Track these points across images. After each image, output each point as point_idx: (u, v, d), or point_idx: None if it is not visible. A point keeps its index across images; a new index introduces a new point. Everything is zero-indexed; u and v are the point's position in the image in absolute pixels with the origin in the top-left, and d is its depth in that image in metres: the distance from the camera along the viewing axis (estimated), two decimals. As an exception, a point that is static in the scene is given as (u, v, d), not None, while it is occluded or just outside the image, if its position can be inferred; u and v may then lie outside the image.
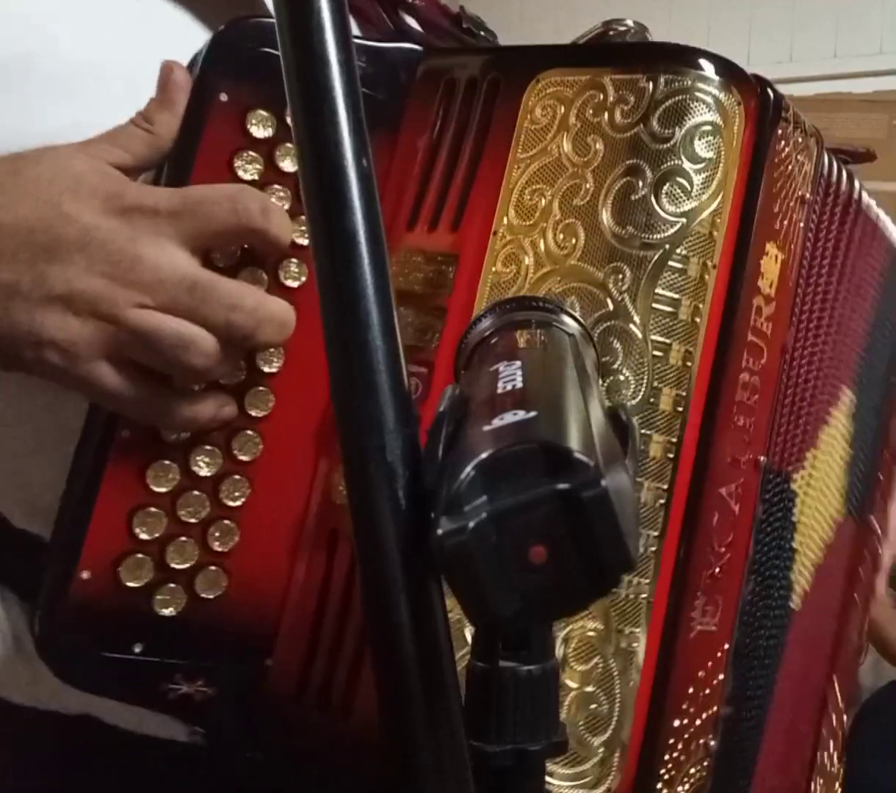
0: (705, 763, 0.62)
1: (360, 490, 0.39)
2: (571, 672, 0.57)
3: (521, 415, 0.37)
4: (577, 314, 0.53)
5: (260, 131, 0.60)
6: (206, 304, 0.54)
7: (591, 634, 0.57)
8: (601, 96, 0.61)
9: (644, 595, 0.58)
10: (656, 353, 0.59)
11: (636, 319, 0.59)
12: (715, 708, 0.64)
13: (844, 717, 0.85)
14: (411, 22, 0.74)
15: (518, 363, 0.42)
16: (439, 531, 0.34)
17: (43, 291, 0.53)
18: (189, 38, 0.63)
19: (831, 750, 0.83)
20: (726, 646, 0.65)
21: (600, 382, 0.56)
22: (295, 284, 0.62)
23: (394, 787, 0.39)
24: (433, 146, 0.65)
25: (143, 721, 0.66)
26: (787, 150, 0.65)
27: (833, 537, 0.79)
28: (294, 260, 0.61)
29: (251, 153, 0.60)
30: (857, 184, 0.77)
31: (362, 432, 0.39)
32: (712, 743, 0.63)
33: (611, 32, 0.67)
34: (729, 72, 0.61)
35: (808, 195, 0.68)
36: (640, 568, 0.58)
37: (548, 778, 0.56)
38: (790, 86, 3.05)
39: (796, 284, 0.68)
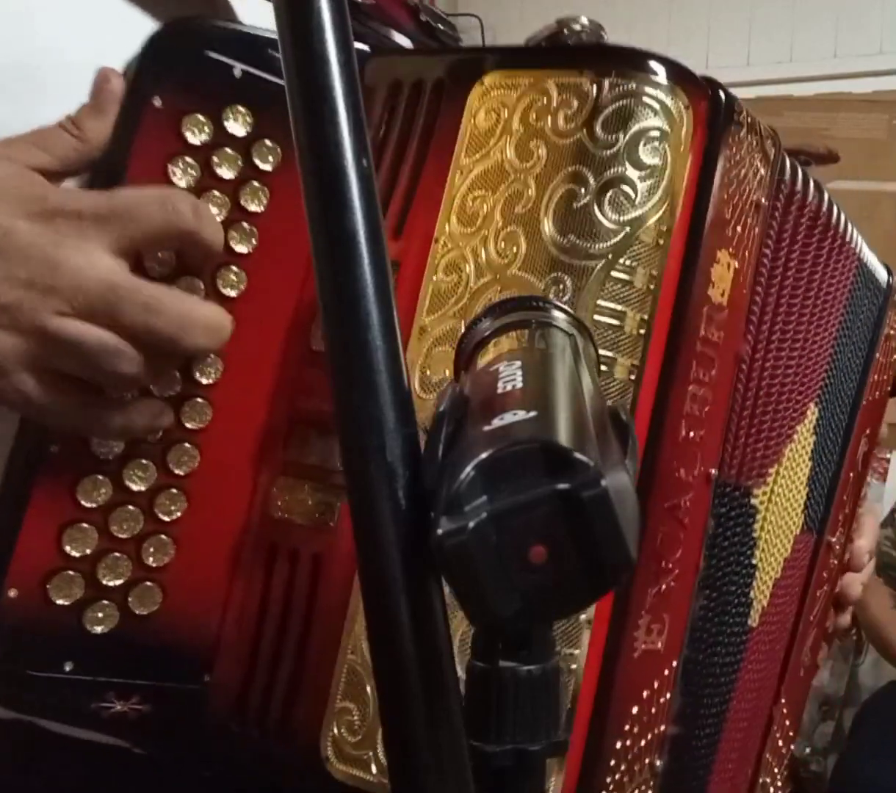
0: (651, 783, 0.62)
1: (360, 490, 0.39)
2: None
3: (521, 415, 0.37)
4: (575, 314, 0.53)
5: (196, 137, 0.58)
6: (124, 309, 0.52)
7: None
8: (545, 100, 0.59)
9: (583, 616, 0.57)
10: (602, 367, 0.57)
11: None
12: (661, 727, 0.62)
13: (791, 742, 0.85)
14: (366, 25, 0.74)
15: (518, 363, 0.42)
16: (439, 531, 0.34)
17: None
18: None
19: (775, 775, 0.83)
20: (674, 664, 0.63)
21: (598, 369, 0.54)
22: (234, 293, 0.60)
23: (394, 787, 0.39)
24: (376, 149, 0.63)
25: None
26: (740, 153, 0.62)
27: (790, 553, 0.79)
28: (233, 268, 0.60)
29: (187, 159, 0.58)
30: (826, 196, 0.74)
31: (362, 432, 0.39)
32: (658, 763, 0.62)
33: (564, 31, 0.65)
34: (678, 75, 0.59)
35: (763, 201, 0.66)
36: None
37: None
38: (790, 86, 3.06)
39: (753, 292, 0.66)
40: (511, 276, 0.58)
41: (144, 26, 0.62)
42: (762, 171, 0.66)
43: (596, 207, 0.57)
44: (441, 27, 0.77)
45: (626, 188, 0.57)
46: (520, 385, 0.40)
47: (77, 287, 0.51)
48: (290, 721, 0.59)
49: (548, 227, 0.58)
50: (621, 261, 0.57)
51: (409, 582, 0.38)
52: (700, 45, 3.23)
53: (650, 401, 0.58)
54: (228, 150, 0.59)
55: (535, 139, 0.59)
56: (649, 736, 0.61)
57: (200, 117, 0.58)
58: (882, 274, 0.86)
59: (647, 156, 0.58)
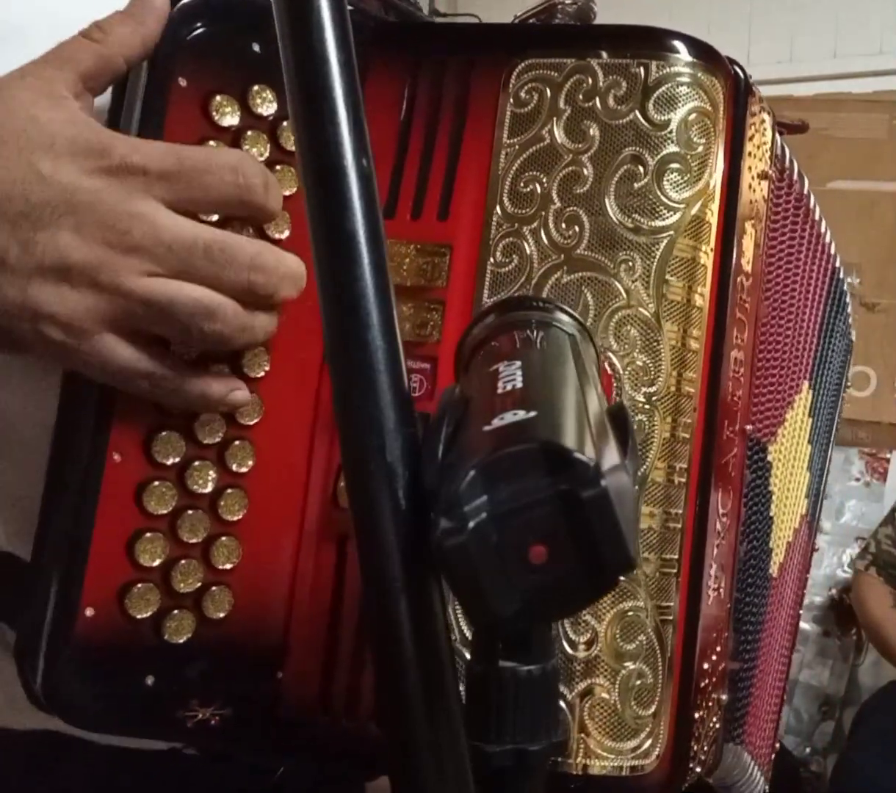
0: (718, 715, 0.64)
1: (360, 490, 0.39)
2: (621, 653, 0.57)
3: (521, 415, 0.37)
4: (575, 313, 0.53)
5: (223, 119, 0.57)
6: (227, 267, 0.50)
7: (631, 613, 0.58)
8: (590, 80, 0.60)
9: (673, 571, 0.59)
10: (671, 338, 0.59)
11: (651, 307, 0.59)
12: (724, 664, 0.65)
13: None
14: None
15: (518, 363, 0.42)
16: (439, 531, 0.34)
17: (33, 262, 0.48)
18: None
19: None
20: (729, 605, 0.67)
21: (599, 368, 0.56)
22: (281, 236, 0.58)
23: (394, 787, 0.39)
24: (404, 129, 0.63)
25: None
26: (755, 126, 0.66)
27: (798, 526, 0.83)
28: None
29: (217, 142, 0.56)
30: (806, 182, 0.78)
31: (362, 432, 0.39)
32: (724, 697, 0.65)
33: (558, 6, 0.66)
34: (706, 53, 0.62)
35: (768, 170, 0.69)
36: (667, 545, 0.59)
37: (605, 755, 0.57)
38: (790, 86, 3.05)
39: (762, 259, 0.70)
40: (578, 256, 0.59)
41: None
42: (766, 140, 0.69)
43: (656, 187, 0.59)
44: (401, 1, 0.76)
45: (680, 167, 0.60)
46: (520, 385, 0.40)
47: (165, 246, 0.49)
48: None
49: (611, 207, 0.59)
50: (682, 237, 0.60)
51: (409, 582, 0.38)
52: (700, 45, 3.23)
53: (707, 368, 0.61)
54: (255, 131, 0.58)
55: (586, 120, 0.60)
56: (718, 673, 0.64)
57: (226, 98, 0.57)
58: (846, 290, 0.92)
59: (696, 135, 0.60)
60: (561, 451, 0.34)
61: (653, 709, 0.58)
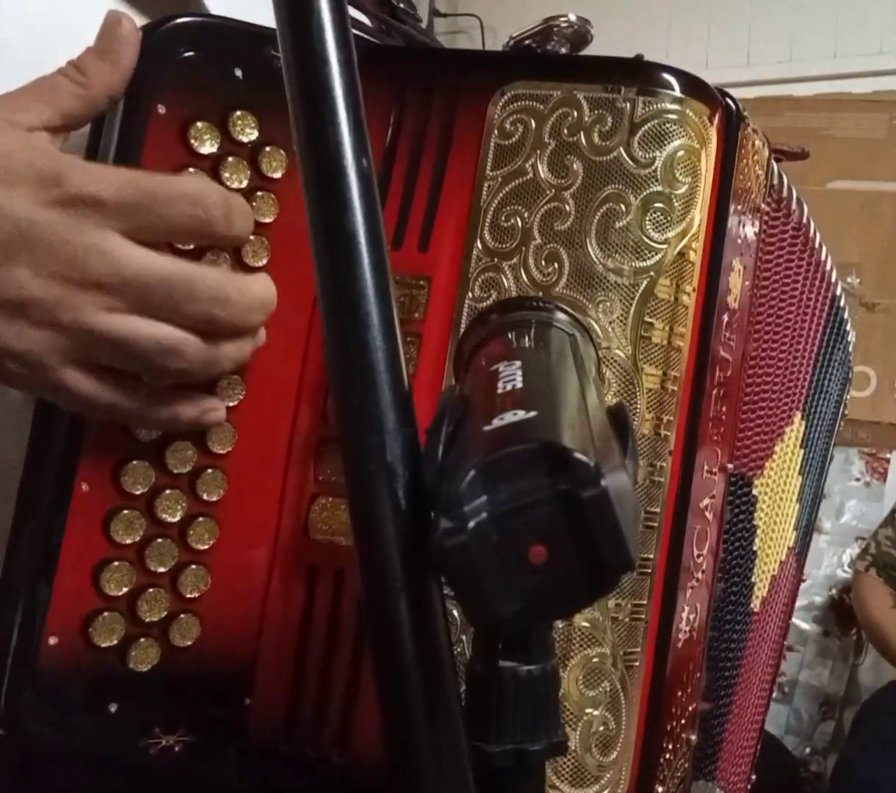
0: (688, 755, 0.64)
1: (360, 490, 0.39)
2: (583, 698, 0.57)
3: (521, 415, 0.37)
4: (575, 313, 0.53)
5: (203, 146, 0.56)
6: (187, 301, 0.49)
7: (595, 660, 0.57)
8: (575, 113, 0.59)
9: (642, 617, 0.59)
10: (645, 380, 0.58)
11: (627, 348, 0.58)
12: (694, 705, 0.65)
13: (773, 685, 0.92)
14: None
15: (518, 363, 0.42)
16: (439, 531, 0.34)
17: None
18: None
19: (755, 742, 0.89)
20: (702, 647, 0.66)
21: (599, 369, 0.56)
22: (259, 263, 0.58)
23: (394, 787, 0.39)
24: (388, 155, 0.62)
25: None
26: (747, 160, 0.64)
27: (785, 558, 0.82)
28: (251, 236, 0.57)
29: (195, 170, 0.56)
30: (805, 209, 0.77)
31: (362, 432, 0.39)
32: (693, 737, 0.65)
33: (554, 29, 0.65)
34: (694, 87, 0.60)
35: (762, 205, 0.68)
36: (635, 589, 0.59)
37: None
38: (790, 86, 3.06)
39: (752, 294, 0.69)
40: (556, 294, 0.58)
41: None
42: (760, 174, 0.67)
43: (638, 227, 0.58)
44: (401, 5, 0.76)
45: (664, 206, 0.59)
46: (520, 385, 0.40)
47: (123, 281, 0.48)
48: (347, 738, 0.59)
49: (592, 245, 0.58)
50: (663, 279, 0.59)
51: (409, 582, 0.38)
52: (700, 45, 3.23)
53: (686, 409, 0.60)
54: (235, 158, 0.57)
55: (569, 155, 0.59)
56: (687, 714, 0.64)
57: (206, 125, 0.56)
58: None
59: (681, 174, 0.59)
60: (561, 451, 0.34)
61: (614, 756, 0.58)
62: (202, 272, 0.50)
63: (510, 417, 0.37)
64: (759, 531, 0.76)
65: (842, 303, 0.89)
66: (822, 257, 0.82)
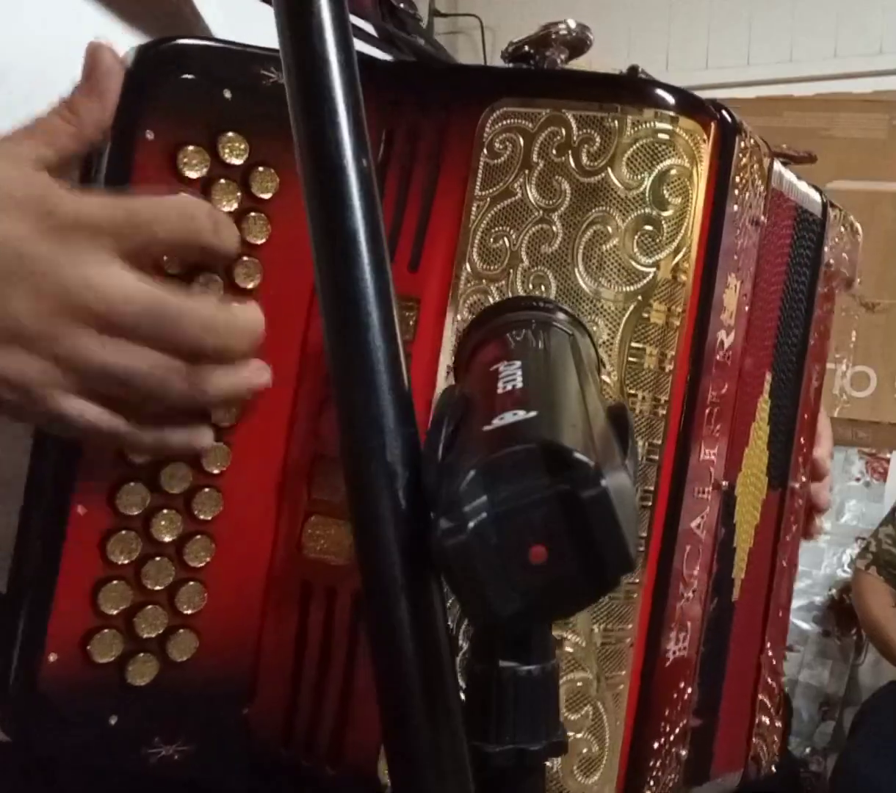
0: (677, 770, 0.64)
1: (360, 490, 0.39)
2: (565, 722, 0.56)
3: (521, 415, 0.37)
4: (576, 314, 0.53)
5: (192, 171, 0.56)
6: (177, 331, 0.50)
7: (579, 684, 0.57)
8: (564, 133, 0.58)
9: (628, 640, 0.59)
10: (632, 404, 0.58)
11: (613, 373, 0.58)
12: (685, 721, 0.64)
13: (779, 673, 0.88)
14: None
15: (518, 363, 0.42)
16: (439, 531, 0.34)
17: None
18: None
19: (769, 710, 0.86)
20: (694, 663, 0.65)
21: (599, 369, 0.55)
22: (251, 285, 0.58)
23: (394, 787, 0.39)
24: (378, 172, 0.60)
25: None
26: (744, 175, 0.63)
27: (760, 520, 0.80)
28: (244, 258, 0.58)
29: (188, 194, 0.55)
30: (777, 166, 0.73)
31: (362, 432, 0.39)
32: (683, 753, 0.64)
33: (552, 36, 0.65)
34: (688, 104, 0.59)
35: (762, 218, 0.67)
36: (622, 614, 0.58)
37: None
38: (790, 86, 3.06)
39: (751, 308, 0.67)
40: None
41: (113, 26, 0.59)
42: (760, 187, 0.66)
43: (625, 249, 0.57)
44: (402, 5, 0.75)
45: (652, 229, 0.58)
46: (520, 385, 0.40)
47: (117, 313, 0.49)
48: (341, 749, 0.59)
49: (579, 269, 0.57)
50: (651, 301, 0.58)
51: (409, 582, 0.38)
52: (700, 45, 3.23)
53: (675, 432, 0.60)
54: (226, 181, 0.57)
55: (557, 176, 0.58)
56: (677, 730, 0.64)
57: (195, 149, 0.56)
58: (815, 201, 0.82)
59: (670, 195, 0.58)
60: (561, 451, 0.34)
61: (596, 777, 0.58)
62: (190, 302, 0.51)
63: (510, 417, 0.37)
64: (736, 528, 0.74)
65: (798, 198, 0.79)
66: (781, 186, 0.76)
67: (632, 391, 0.58)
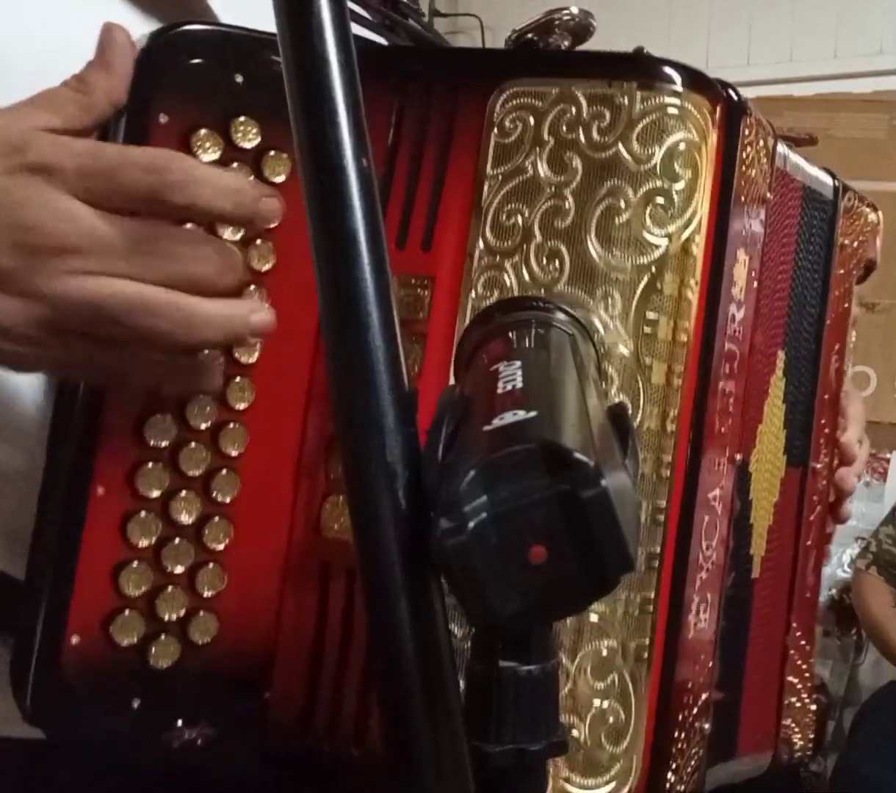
0: (701, 745, 0.64)
1: (360, 490, 0.39)
2: (591, 690, 0.57)
3: (521, 415, 0.37)
4: (575, 313, 0.53)
5: (206, 154, 0.56)
6: (160, 257, 0.49)
7: (604, 653, 0.57)
8: (574, 110, 0.59)
9: (650, 609, 0.59)
10: (649, 375, 0.59)
11: (629, 342, 0.58)
12: (707, 694, 0.65)
13: (810, 658, 0.88)
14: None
15: (518, 363, 0.42)
16: (439, 531, 0.34)
17: None
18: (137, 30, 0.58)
19: (799, 692, 0.86)
20: (714, 635, 0.66)
21: (599, 368, 0.56)
22: (266, 267, 0.59)
23: (394, 786, 0.39)
24: (390, 155, 0.62)
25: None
26: (750, 152, 0.64)
27: (779, 497, 0.80)
28: (252, 287, 0.58)
29: None
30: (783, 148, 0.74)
31: (362, 432, 0.39)
32: (707, 726, 0.65)
33: (556, 22, 0.65)
34: (695, 80, 0.60)
35: (768, 195, 0.68)
36: (644, 583, 0.59)
37: (571, 788, 0.57)
38: (790, 86, 3.06)
39: (760, 285, 0.68)
40: (558, 292, 0.58)
41: (124, 16, 0.59)
42: (765, 165, 0.67)
43: (638, 222, 0.58)
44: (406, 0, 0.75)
45: (663, 201, 0.58)
46: (520, 385, 0.40)
47: (87, 240, 0.48)
48: (363, 731, 0.59)
49: (592, 242, 0.58)
50: (665, 272, 0.59)
51: (409, 582, 0.38)
52: (700, 45, 3.23)
53: (690, 402, 0.60)
54: (238, 164, 0.58)
55: (568, 152, 0.59)
56: (700, 703, 0.64)
57: (207, 132, 0.57)
58: (826, 183, 0.82)
59: (681, 168, 0.59)
60: (561, 451, 0.34)
61: (624, 745, 0.58)
62: (174, 230, 0.50)
63: (510, 417, 0.37)
64: (753, 503, 0.75)
65: (806, 180, 0.80)
66: (787, 166, 0.76)
67: (648, 361, 0.58)
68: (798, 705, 0.84)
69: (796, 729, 0.83)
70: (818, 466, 0.85)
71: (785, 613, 0.83)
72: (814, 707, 0.86)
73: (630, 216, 0.58)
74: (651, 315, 0.58)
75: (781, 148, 0.71)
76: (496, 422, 0.37)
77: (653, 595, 0.59)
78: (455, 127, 0.61)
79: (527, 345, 0.47)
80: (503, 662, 0.38)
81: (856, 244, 0.86)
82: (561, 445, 0.34)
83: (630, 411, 0.58)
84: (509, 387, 0.40)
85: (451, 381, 0.58)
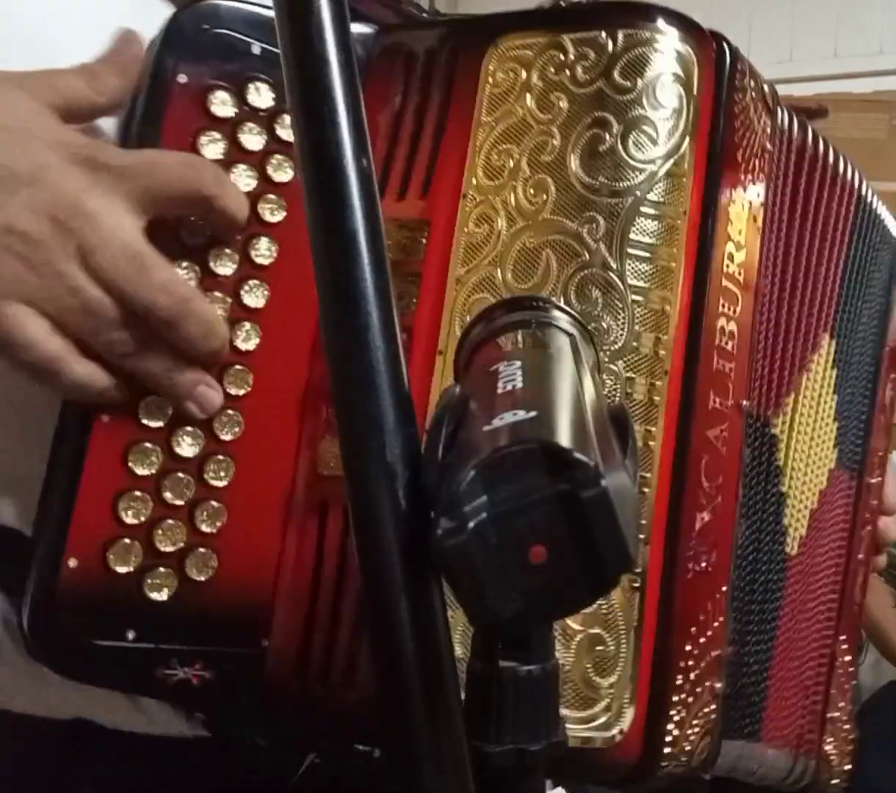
0: (713, 706, 0.63)
1: (360, 490, 0.39)
2: (576, 615, 0.57)
3: (521, 415, 0.37)
4: (574, 312, 0.53)
5: (222, 111, 0.60)
6: (141, 277, 0.52)
7: None
8: (561, 56, 0.61)
9: (641, 535, 0.59)
10: (635, 297, 0.60)
11: (613, 265, 0.59)
12: (718, 650, 0.64)
13: (852, 679, 0.88)
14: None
15: (518, 363, 0.42)
16: (439, 531, 0.34)
17: None
18: (153, 15, 0.61)
19: (843, 712, 0.85)
20: (724, 588, 0.66)
21: (599, 369, 0.56)
22: (267, 262, 0.61)
23: (394, 786, 0.39)
24: (396, 118, 0.65)
25: (147, 717, 0.66)
26: (746, 100, 0.65)
27: (827, 485, 0.81)
28: (264, 238, 0.61)
29: (214, 133, 0.60)
30: (810, 132, 0.77)
31: (362, 432, 0.39)
32: (718, 686, 0.64)
33: (563, 1, 0.67)
34: (684, 25, 0.62)
35: (769, 146, 0.69)
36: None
37: None
38: (790, 86, 3.06)
39: (764, 234, 0.69)
40: (543, 220, 0.60)
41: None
42: (765, 118, 0.69)
43: (621, 148, 0.60)
44: (425, 15, 0.77)
45: (647, 129, 0.60)
46: (520, 385, 0.40)
47: (101, 241, 0.51)
48: (352, 678, 0.59)
49: (575, 170, 0.60)
50: (649, 197, 0.60)
51: (409, 582, 0.38)
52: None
53: (684, 331, 0.61)
54: (253, 123, 0.61)
55: (555, 92, 0.61)
56: (708, 658, 0.63)
57: (225, 93, 0.60)
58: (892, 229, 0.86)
59: (664, 98, 0.61)
60: (561, 451, 0.34)
61: (613, 679, 0.57)
62: (166, 264, 0.54)
63: (510, 417, 0.37)
64: (786, 472, 0.75)
65: (870, 200, 0.86)
66: (834, 166, 0.81)
67: (637, 283, 0.60)
68: (840, 723, 0.84)
69: (835, 752, 0.83)
70: (872, 481, 0.86)
71: (836, 618, 0.83)
72: (852, 737, 0.85)
73: (612, 144, 0.60)
74: (636, 237, 0.60)
75: (785, 114, 0.73)
76: (496, 422, 0.37)
77: (645, 522, 0.59)
78: (455, 86, 0.64)
79: (527, 345, 0.47)
80: (503, 662, 0.38)
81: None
82: (561, 446, 0.34)
83: (615, 333, 0.59)
84: (509, 387, 0.40)
85: (443, 322, 0.61)
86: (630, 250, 0.59)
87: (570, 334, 0.48)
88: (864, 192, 0.85)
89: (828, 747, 0.82)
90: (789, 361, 0.75)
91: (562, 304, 0.52)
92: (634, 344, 0.59)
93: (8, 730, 0.65)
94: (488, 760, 0.38)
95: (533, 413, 0.37)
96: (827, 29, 3.15)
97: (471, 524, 0.34)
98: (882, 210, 0.87)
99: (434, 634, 0.38)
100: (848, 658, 0.86)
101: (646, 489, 0.59)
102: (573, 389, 0.41)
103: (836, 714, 0.84)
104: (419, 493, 0.38)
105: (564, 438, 0.35)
